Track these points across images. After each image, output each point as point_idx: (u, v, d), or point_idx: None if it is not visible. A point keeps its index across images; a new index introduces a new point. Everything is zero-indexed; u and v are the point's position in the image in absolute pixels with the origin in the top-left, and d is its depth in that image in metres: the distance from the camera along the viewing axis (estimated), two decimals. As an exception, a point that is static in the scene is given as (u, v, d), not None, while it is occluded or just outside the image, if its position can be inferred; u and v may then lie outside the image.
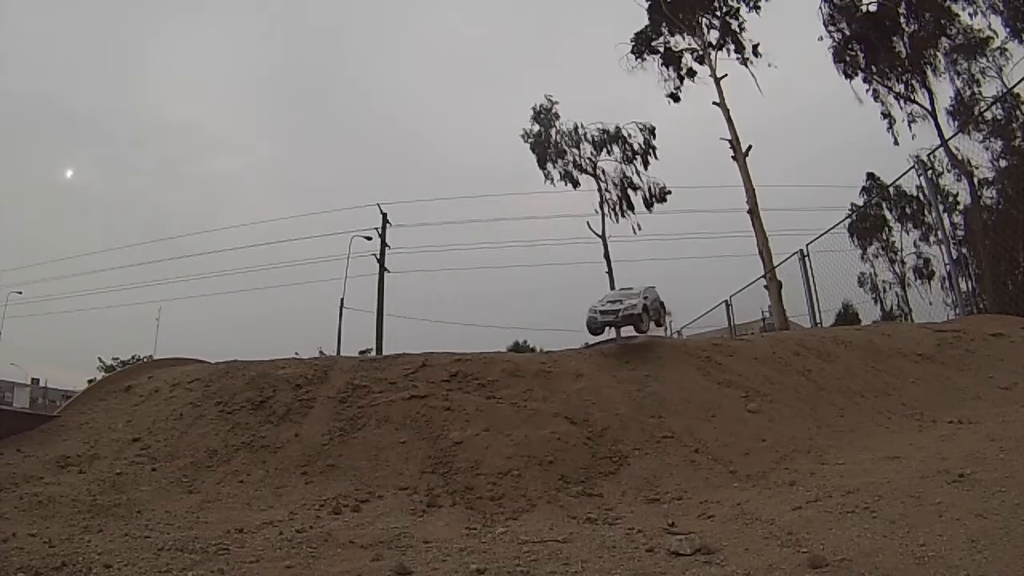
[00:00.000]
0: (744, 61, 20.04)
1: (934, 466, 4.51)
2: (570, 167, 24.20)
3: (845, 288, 16.92)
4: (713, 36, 20.36)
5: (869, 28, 17.32)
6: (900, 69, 17.64)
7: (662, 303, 9.17)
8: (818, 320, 13.18)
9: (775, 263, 16.83)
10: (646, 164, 23.70)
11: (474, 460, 5.74)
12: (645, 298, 8.47)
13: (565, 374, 7.30)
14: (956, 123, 17.17)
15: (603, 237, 23.76)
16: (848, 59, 18.03)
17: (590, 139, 24.11)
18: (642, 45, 21.35)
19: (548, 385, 7.05)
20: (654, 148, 23.69)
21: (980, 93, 17.27)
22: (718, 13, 20.33)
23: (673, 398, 6.73)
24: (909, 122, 17.88)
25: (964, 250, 16.16)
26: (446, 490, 5.39)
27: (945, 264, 14.25)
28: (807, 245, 13.59)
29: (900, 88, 17.81)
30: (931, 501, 3.95)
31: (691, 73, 20.88)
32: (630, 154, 23.79)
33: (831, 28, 18.13)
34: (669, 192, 23.51)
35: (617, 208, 23.77)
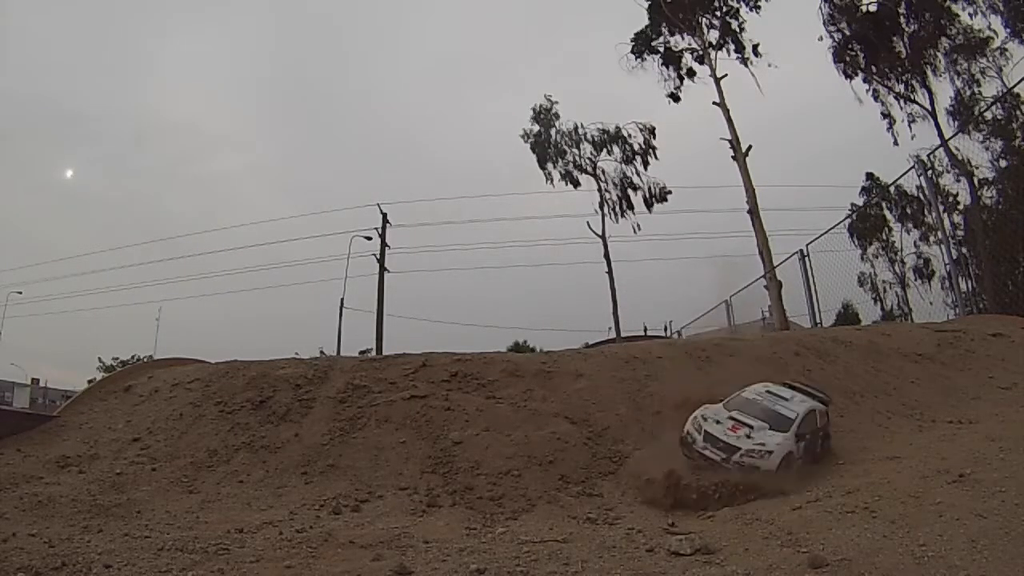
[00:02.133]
0: (744, 61, 20.05)
1: (934, 466, 4.51)
2: (570, 167, 24.21)
3: (845, 288, 16.92)
4: (713, 36, 20.37)
5: (869, 28, 17.33)
6: (900, 69, 17.66)
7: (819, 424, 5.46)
8: (818, 320, 13.18)
9: (775, 263, 16.83)
10: (646, 164, 23.71)
11: (474, 460, 5.74)
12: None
13: (565, 374, 7.29)
14: (956, 123, 17.19)
15: (603, 237, 23.75)
16: (848, 59, 18.05)
17: (590, 139, 24.13)
18: (642, 45, 21.35)
19: (548, 385, 7.05)
20: (654, 148, 23.71)
21: (980, 93, 17.30)
22: (718, 13, 20.34)
23: (673, 398, 6.73)
24: (909, 122, 17.91)
25: (964, 250, 16.15)
26: (446, 490, 5.39)
27: (945, 264, 14.26)
28: (807, 245, 13.62)
29: (900, 88, 17.84)
30: (931, 501, 3.95)
31: (691, 73, 20.88)
32: (630, 154, 23.80)
33: (831, 28, 18.16)
34: (669, 192, 23.51)
35: (617, 208, 23.78)
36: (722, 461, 4.90)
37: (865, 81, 18.25)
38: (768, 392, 5.54)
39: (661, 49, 21.23)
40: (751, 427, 5.05)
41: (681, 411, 5.78)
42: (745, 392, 5.59)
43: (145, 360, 16.63)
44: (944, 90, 17.48)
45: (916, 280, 19.72)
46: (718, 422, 5.17)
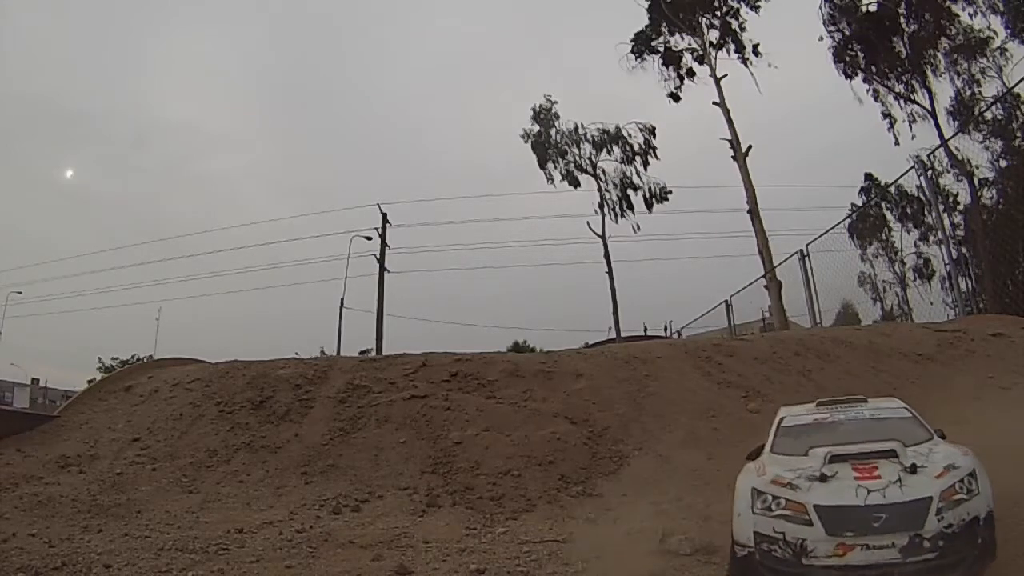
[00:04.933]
0: (744, 61, 20.02)
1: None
2: (570, 167, 24.19)
3: (845, 288, 16.86)
4: (713, 36, 20.36)
5: (869, 28, 17.33)
6: (900, 69, 17.65)
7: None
8: (818, 320, 13.15)
9: (775, 263, 16.81)
10: (646, 164, 23.67)
11: (474, 460, 5.74)
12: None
13: (565, 374, 7.29)
14: (956, 123, 17.16)
15: (603, 237, 23.72)
16: (848, 59, 18.04)
17: (590, 139, 24.09)
18: (642, 45, 21.34)
19: (548, 385, 7.05)
20: (654, 148, 23.67)
21: (980, 93, 17.27)
22: (718, 13, 20.32)
23: (673, 398, 6.73)
24: (909, 122, 17.88)
25: (964, 250, 16.14)
26: (446, 490, 5.39)
27: (945, 264, 14.24)
28: (807, 245, 13.59)
29: (900, 88, 17.83)
30: (931, 501, 3.94)
31: (691, 73, 20.86)
32: (630, 154, 23.76)
33: (831, 28, 18.14)
34: (669, 192, 23.45)
35: (617, 208, 23.73)
36: (905, 553, 2.48)
37: (865, 81, 18.24)
38: (821, 406, 3.87)
39: (661, 49, 21.23)
40: (892, 452, 2.82)
41: (682, 416, 5.59)
42: (787, 419, 3.71)
43: (145, 360, 16.62)
44: (944, 90, 17.46)
45: (916, 280, 19.67)
46: (824, 478, 2.72)
